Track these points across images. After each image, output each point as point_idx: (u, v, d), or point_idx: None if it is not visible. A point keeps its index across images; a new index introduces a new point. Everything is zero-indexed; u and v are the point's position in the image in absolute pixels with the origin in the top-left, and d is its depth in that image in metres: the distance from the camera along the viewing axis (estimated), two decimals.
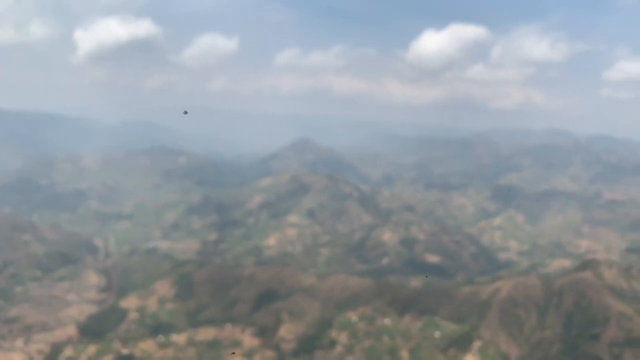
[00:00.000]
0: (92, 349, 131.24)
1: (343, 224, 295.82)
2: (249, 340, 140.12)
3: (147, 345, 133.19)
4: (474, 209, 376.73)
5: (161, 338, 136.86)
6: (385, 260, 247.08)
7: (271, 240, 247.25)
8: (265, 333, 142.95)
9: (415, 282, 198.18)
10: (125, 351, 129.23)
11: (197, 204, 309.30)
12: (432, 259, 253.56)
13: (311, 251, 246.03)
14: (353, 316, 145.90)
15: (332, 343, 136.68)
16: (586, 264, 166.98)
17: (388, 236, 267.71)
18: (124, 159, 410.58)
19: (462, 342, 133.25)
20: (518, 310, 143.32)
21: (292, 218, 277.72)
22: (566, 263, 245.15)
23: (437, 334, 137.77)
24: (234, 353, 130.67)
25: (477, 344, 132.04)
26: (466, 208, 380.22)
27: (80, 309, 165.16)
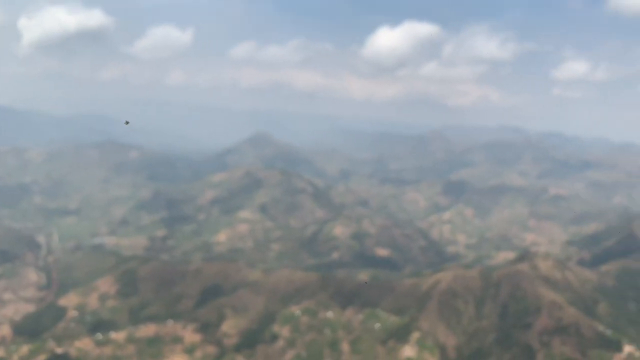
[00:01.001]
0: (24, 349, 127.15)
1: (296, 219, 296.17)
2: (190, 336, 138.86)
3: (84, 344, 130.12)
4: (425, 204, 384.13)
5: (99, 336, 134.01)
6: (335, 254, 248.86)
7: (221, 236, 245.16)
8: (208, 329, 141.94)
9: (363, 276, 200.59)
10: (59, 350, 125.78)
11: (147, 199, 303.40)
12: (382, 252, 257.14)
13: (262, 246, 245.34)
14: (296, 310, 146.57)
15: (274, 337, 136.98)
16: (523, 256, 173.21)
17: (339, 230, 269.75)
18: (71, 152, 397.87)
19: (401, 334, 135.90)
20: (457, 301, 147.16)
21: (244, 213, 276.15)
22: (511, 256, 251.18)
23: (377, 326, 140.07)
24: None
25: (415, 335, 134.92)
26: (418, 203, 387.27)
27: (16, 308, 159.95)
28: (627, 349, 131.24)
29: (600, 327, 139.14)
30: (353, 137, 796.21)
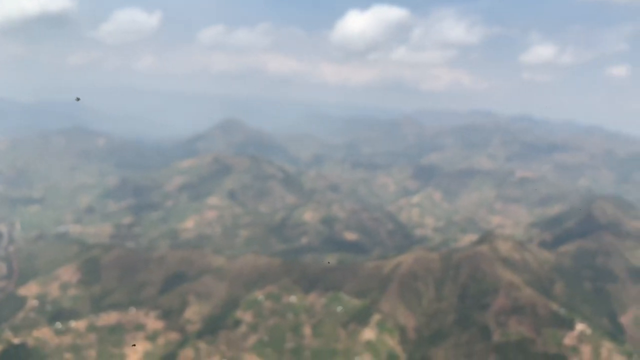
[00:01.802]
0: None
1: (265, 205, 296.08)
2: (152, 323, 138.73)
3: (43, 333, 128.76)
4: (395, 188, 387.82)
5: (58, 325, 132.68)
6: (304, 239, 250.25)
7: (189, 223, 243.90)
8: (171, 315, 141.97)
9: (331, 259, 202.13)
10: (17, 340, 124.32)
11: (114, 186, 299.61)
12: (351, 236, 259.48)
13: (230, 233, 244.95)
14: (259, 295, 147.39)
15: (237, 323, 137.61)
16: (484, 239, 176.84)
17: (309, 215, 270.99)
18: (37, 140, 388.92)
19: (362, 316, 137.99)
20: (417, 283, 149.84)
21: (213, 200, 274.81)
22: (476, 238, 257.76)
23: (339, 309, 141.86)
24: (134, 345, 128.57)
25: (376, 317, 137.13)
26: (388, 187, 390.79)
27: None
28: (579, 327, 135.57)
29: (555, 307, 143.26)
30: (326, 122, 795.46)
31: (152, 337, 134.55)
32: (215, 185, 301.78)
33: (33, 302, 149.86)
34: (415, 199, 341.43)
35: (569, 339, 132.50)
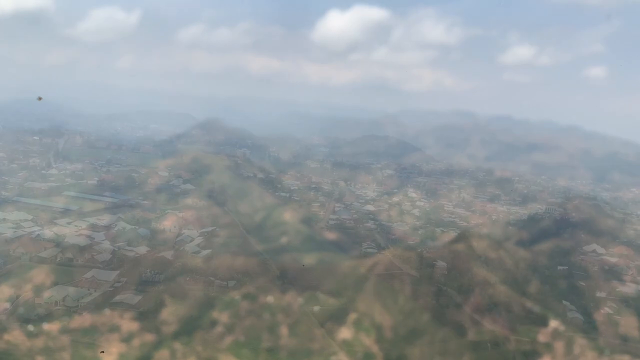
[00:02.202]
0: None
1: (245, 205, 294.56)
2: (128, 324, 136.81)
3: (13, 337, 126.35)
4: (376, 187, 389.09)
5: (30, 328, 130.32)
6: (284, 239, 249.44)
7: (167, 223, 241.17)
8: (146, 317, 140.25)
9: (310, 260, 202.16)
10: None
11: (91, 186, 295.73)
12: (331, 236, 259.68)
13: (208, 233, 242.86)
14: (236, 296, 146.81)
15: (213, 323, 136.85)
16: (460, 237, 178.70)
17: (289, 215, 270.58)
18: (10, 139, 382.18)
19: (339, 316, 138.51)
20: (394, 282, 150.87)
21: (191, 200, 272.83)
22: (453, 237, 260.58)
23: (316, 309, 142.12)
24: (102, 352, 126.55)
25: (352, 316, 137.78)
26: (369, 186, 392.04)
27: None
28: (553, 324, 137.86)
29: (530, 304, 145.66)
30: (308, 122, 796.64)
31: (127, 339, 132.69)
32: (194, 184, 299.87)
33: (4, 305, 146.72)
34: (395, 198, 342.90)
35: (542, 336, 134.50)
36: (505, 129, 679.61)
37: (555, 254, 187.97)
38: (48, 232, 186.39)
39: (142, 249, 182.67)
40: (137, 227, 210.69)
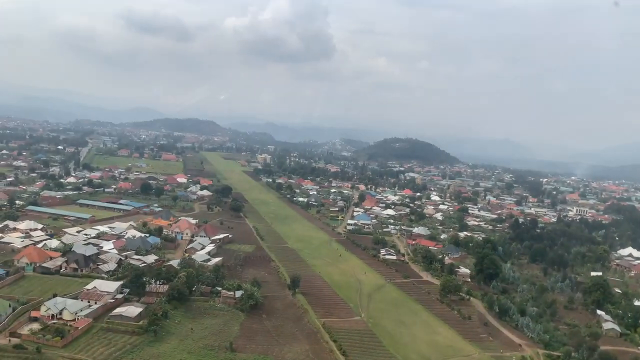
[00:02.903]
0: None
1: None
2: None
3: None
4: (397, 190, 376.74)
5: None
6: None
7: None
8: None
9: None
10: None
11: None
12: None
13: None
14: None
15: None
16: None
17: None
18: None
19: None
20: None
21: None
22: None
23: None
24: None
25: None
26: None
27: None
28: None
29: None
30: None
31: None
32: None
33: None
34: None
35: None
36: None
37: (588, 259, 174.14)
38: (55, 242, 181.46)
39: (150, 258, 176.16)
40: (147, 235, 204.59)
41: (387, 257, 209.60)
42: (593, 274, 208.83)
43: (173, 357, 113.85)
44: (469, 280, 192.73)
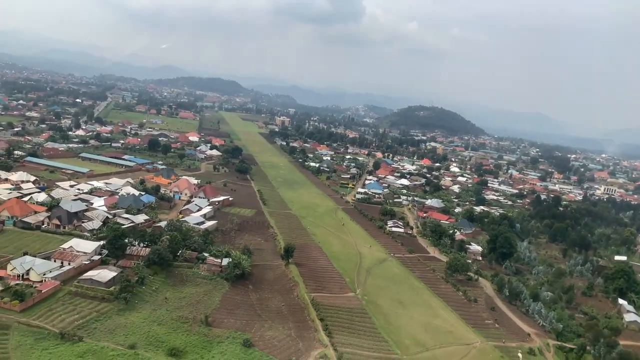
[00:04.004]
0: None
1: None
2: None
3: None
4: (416, 160, 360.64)
5: None
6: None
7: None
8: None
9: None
10: None
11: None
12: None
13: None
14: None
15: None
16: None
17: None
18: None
19: None
20: None
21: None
22: None
23: None
24: None
25: None
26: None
27: None
28: None
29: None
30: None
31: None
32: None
33: None
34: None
35: None
36: None
37: (613, 242, 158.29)
38: (43, 196, 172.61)
39: (140, 218, 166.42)
40: (142, 193, 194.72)
41: (394, 229, 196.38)
42: (617, 258, 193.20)
43: (140, 328, 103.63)
44: (480, 258, 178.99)
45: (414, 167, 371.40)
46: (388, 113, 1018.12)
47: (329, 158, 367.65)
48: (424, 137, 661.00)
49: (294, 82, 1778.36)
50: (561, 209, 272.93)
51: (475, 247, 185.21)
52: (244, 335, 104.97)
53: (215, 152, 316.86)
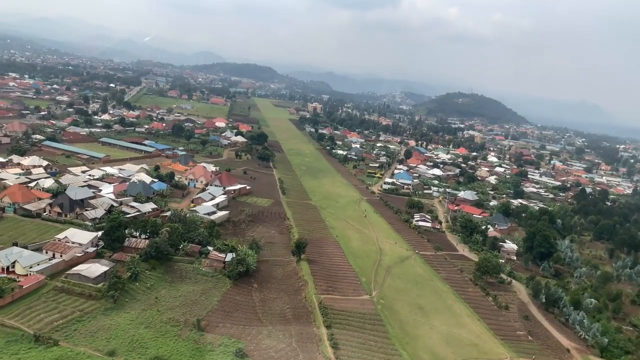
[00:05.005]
0: None
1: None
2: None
3: None
4: (452, 148, 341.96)
5: None
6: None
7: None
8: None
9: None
10: None
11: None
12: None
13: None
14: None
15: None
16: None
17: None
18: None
19: None
20: None
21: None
22: None
23: None
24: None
25: None
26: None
27: None
28: None
29: None
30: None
31: None
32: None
33: None
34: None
35: None
36: None
37: None
38: (50, 181, 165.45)
39: (147, 207, 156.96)
40: (155, 180, 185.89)
41: (421, 223, 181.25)
42: None
43: (125, 331, 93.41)
44: (515, 258, 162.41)
45: (449, 156, 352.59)
46: (425, 100, 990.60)
47: (358, 146, 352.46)
48: (462, 125, 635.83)
49: (329, 69, 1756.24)
50: (608, 203, 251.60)
51: (510, 245, 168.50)
52: (239, 343, 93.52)
53: (240, 139, 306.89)
